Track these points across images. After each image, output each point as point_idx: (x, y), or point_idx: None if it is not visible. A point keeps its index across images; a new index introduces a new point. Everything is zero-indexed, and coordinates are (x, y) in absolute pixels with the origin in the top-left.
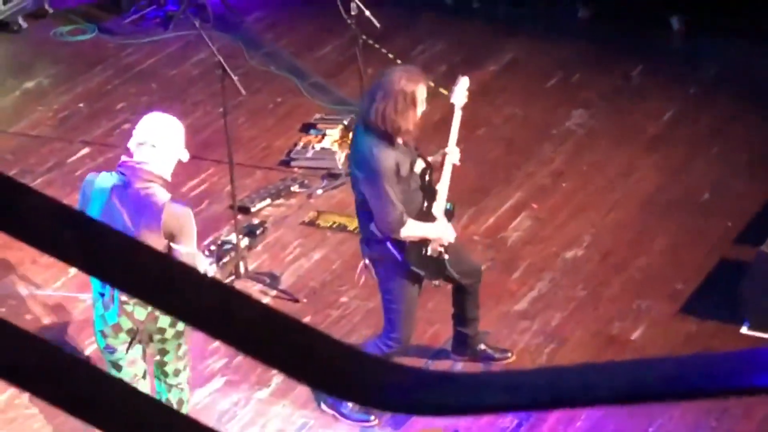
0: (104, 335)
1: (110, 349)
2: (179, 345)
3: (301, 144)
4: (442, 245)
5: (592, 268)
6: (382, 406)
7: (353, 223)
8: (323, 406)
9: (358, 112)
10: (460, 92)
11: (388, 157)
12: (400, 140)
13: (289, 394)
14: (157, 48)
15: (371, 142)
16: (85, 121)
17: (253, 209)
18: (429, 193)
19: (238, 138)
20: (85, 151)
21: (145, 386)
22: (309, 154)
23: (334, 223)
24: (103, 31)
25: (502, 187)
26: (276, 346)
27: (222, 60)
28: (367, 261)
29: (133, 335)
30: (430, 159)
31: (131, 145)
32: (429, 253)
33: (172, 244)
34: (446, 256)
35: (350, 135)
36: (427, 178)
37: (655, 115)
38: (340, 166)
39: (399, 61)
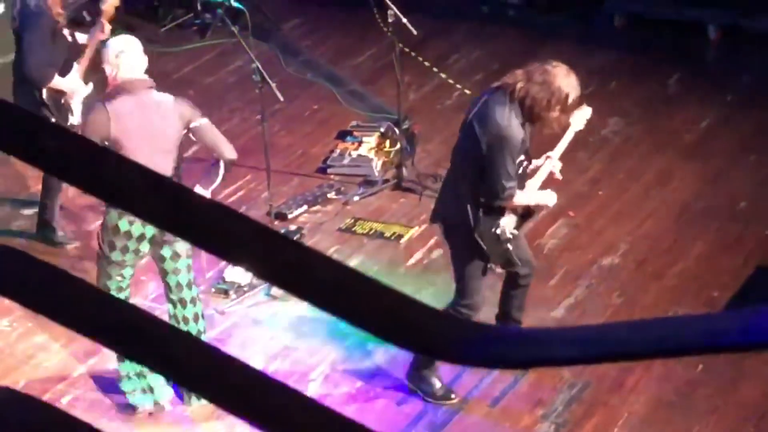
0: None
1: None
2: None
3: (338, 151)
4: (512, 233)
5: (629, 276)
6: (462, 361)
7: (390, 230)
8: (409, 385)
9: (503, 83)
10: (581, 117)
11: (520, 132)
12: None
13: (327, 399)
14: (194, 56)
15: (512, 112)
16: None
17: (290, 216)
18: (522, 183)
19: (275, 145)
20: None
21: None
22: (346, 161)
23: (371, 229)
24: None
25: None
26: (357, 303)
27: (260, 67)
28: (440, 224)
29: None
30: (536, 163)
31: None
32: (498, 231)
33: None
34: (509, 246)
35: (386, 141)
36: (523, 170)
37: (692, 122)
38: (376, 174)
39: (435, 69)
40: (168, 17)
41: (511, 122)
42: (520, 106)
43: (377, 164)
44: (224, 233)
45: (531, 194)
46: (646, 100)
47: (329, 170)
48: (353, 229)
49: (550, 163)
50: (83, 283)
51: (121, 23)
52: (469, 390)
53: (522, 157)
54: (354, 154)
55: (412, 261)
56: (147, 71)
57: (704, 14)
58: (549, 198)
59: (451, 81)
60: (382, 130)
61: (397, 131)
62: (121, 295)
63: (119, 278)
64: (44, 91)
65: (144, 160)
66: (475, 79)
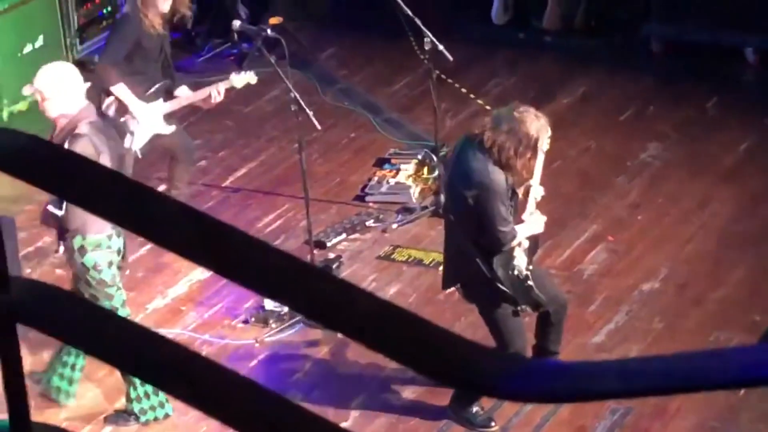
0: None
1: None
2: None
3: (376, 179)
4: (527, 269)
5: (669, 301)
6: (506, 397)
7: (429, 257)
8: (449, 413)
9: (471, 134)
10: (544, 136)
11: (501, 176)
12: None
13: (367, 428)
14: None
15: (486, 162)
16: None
17: (328, 244)
18: (514, 219)
19: (312, 173)
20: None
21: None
22: (383, 189)
23: (410, 257)
24: (177, 69)
25: (577, 220)
26: (399, 339)
27: (297, 96)
28: (458, 285)
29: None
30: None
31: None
32: (515, 272)
33: None
34: (530, 282)
35: (424, 168)
36: (514, 206)
37: (731, 146)
38: (414, 201)
39: (472, 96)
40: (205, 47)
41: (488, 169)
42: (490, 155)
43: (415, 191)
44: (261, 268)
45: (526, 227)
46: (685, 124)
47: (367, 198)
48: (392, 256)
49: (533, 193)
50: (123, 320)
51: None
52: (509, 418)
53: (510, 196)
54: (392, 181)
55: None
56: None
57: (742, 38)
58: (539, 224)
59: (488, 107)
60: (419, 157)
61: (434, 158)
62: (125, 312)
63: (120, 292)
64: (103, 99)
65: None
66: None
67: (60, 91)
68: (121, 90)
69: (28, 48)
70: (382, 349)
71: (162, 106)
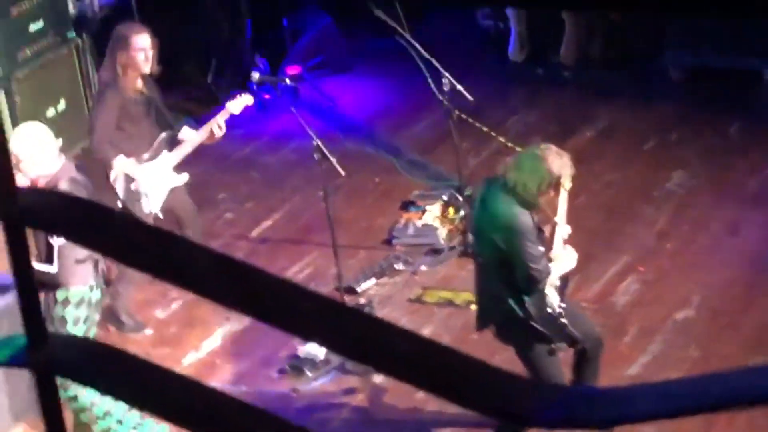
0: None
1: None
2: None
3: (402, 222)
4: (560, 307)
5: (704, 328)
6: (545, 425)
7: (459, 297)
8: None
9: (498, 175)
10: (566, 174)
11: (527, 216)
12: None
13: None
14: (253, 136)
15: (511, 203)
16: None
17: (359, 289)
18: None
19: (339, 220)
20: None
21: None
22: (410, 232)
23: (441, 298)
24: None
25: (606, 252)
26: (437, 373)
27: (320, 143)
28: (493, 327)
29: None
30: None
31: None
32: (549, 310)
33: None
34: (564, 320)
35: (450, 209)
36: (542, 244)
37: (755, 170)
38: (442, 242)
39: (493, 134)
40: (225, 100)
41: (514, 210)
42: (514, 195)
43: (442, 232)
44: (297, 310)
45: (559, 264)
46: (708, 150)
47: (395, 241)
48: (423, 298)
49: (560, 232)
50: (166, 371)
51: (180, 109)
52: None
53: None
54: (418, 223)
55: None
56: (208, 155)
57: (759, 61)
58: (571, 260)
59: (510, 144)
60: (444, 197)
61: (459, 198)
62: None
63: None
64: (111, 172)
65: None
66: (534, 141)
67: (34, 152)
68: (121, 163)
69: (51, 112)
70: (422, 385)
71: (168, 158)
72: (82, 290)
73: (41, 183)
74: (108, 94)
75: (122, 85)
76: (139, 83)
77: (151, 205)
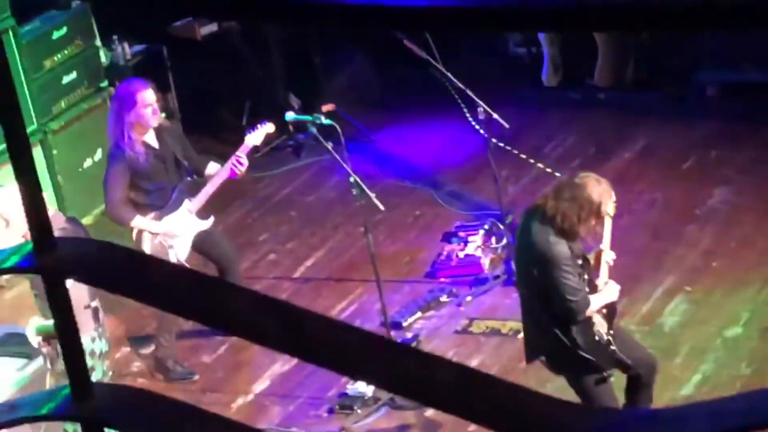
0: None
1: None
2: None
3: (445, 253)
4: (608, 334)
5: (755, 345)
6: None
7: (506, 327)
8: None
9: (534, 206)
10: (609, 202)
11: (564, 247)
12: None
13: None
14: (292, 176)
15: (547, 233)
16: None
17: (404, 324)
18: (588, 286)
19: (381, 255)
20: None
21: None
22: (454, 263)
23: (487, 327)
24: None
25: (652, 273)
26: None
27: (358, 180)
28: (542, 358)
29: None
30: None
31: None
32: (597, 338)
33: None
34: (613, 347)
35: (492, 238)
36: (585, 273)
37: None
38: (486, 271)
39: (532, 160)
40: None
41: (549, 240)
42: (553, 225)
43: (486, 262)
44: (343, 349)
45: (600, 296)
46: (749, 166)
47: (439, 273)
48: (469, 329)
49: (605, 258)
50: (213, 416)
51: (216, 154)
52: None
53: (580, 263)
54: (461, 254)
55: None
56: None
57: None
58: (612, 293)
59: (549, 169)
60: (486, 227)
61: (501, 226)
62: None
63: None
64: (134, 232)
65: None
66: (572, 166)
67: (21, 209)
68: (140, 223)
69: (87, 162)
70: (472, 417)
71: (189, 205)
72: (83, 340)
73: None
74: (116, 157)
75: (132, 145)
76: (151, 138)
77: (178, 255)
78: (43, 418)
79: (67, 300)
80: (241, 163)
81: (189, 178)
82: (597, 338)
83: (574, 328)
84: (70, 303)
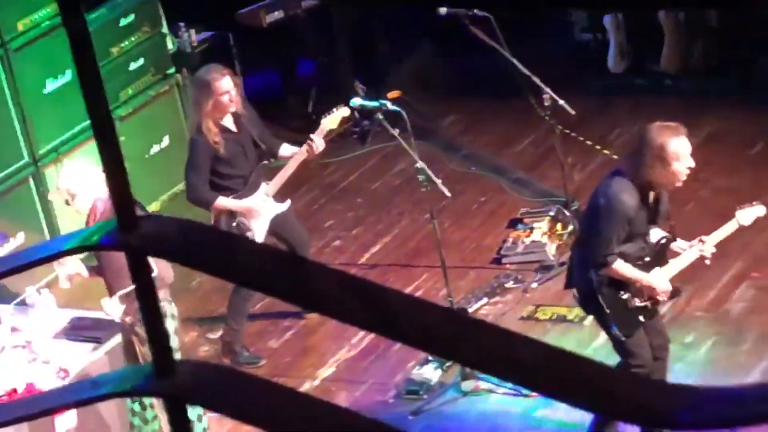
0: None
1: None
2: None
3: (511, 240)
4: (651, 299)
5: None
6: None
7: (572, 313)
8: None
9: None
10: (750, 214)
11: (628, 207)
12: (651, 196)
13: None
14: (357, 163)
15: (623, 186)
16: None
17: (470, 310)
18: (659, 260)
19: (447, 241)
20: None
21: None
22: (519, 249)
23: (553, 314)
24: None
25: (719, 259)
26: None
27: (425, 166)
28: (575, 292)
29: None
30: (684, 245)
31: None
32: (624, 298)
33: None
34: (642, 318)
35: (558, 224)
36: (661, 248)
37: None
38: (551, 258)
39: (598, 147)
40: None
41: (619, 196)
42: (633, 181)
43: (551, 248)
44: (426, 326)
45: (646, 275)
46: None
47: (504, 260)
48: (535, 315)
49: (700, 247)
50: (299, 394)
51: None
52: None
53: (644, 230)
54: (527, 240)
55: (598, 341)
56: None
57: None
58: (659, 282)
59: (615, 156)
60: (552, 213)
61: (567, 213)
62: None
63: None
64: (212, 216)
65: None
66: None
67: (86, 183)
68: (222, 203)
69: (155, 149)
70: (557, 394)
71: (267, 189)
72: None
73: (100, 207)
74: (196, 144)
75: (210, 131)
76: (230, 123)
77: (256, 237)
78: (125, 393)
79: (150, 277)
80: (314, 143)
81: (266, 162)
82: (625, 297)
83: (606, 278)
84: (153, 280)
